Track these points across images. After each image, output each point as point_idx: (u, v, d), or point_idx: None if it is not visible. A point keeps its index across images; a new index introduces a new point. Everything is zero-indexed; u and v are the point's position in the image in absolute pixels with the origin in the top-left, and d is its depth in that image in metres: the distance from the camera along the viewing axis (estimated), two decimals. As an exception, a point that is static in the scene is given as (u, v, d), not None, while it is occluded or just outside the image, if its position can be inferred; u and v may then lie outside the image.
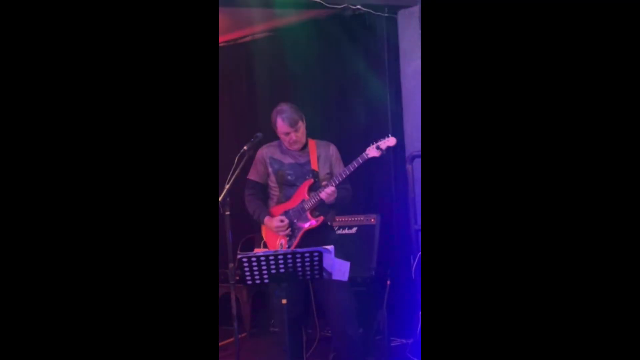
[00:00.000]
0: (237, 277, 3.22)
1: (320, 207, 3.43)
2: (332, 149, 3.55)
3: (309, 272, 2.89)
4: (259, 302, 4.88)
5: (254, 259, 2.82)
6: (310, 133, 3.54)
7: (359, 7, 4.21)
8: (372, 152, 3.32)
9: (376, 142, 3.32)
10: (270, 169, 3.51)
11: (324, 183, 3.42)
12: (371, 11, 4.28)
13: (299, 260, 2.84)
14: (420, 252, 3.87)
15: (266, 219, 3.49)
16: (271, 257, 2.83)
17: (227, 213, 3.11)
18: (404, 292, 4.07)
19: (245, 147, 3.29)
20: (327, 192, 3.32)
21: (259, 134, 3.36)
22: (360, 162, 3.31)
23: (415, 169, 3.94)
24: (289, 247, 3.43)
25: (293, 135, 3.41)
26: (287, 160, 3.49)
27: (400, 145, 4.17)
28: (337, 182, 3.35)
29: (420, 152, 3.87)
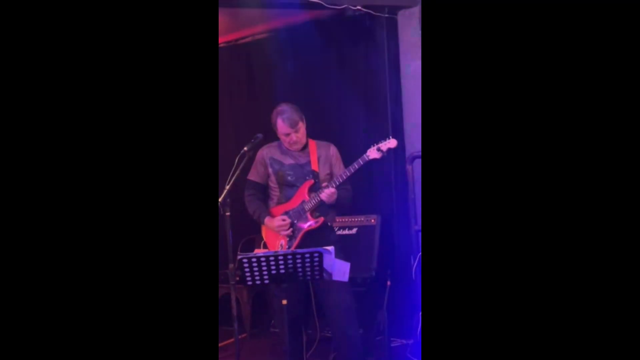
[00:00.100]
0: (238, 278, 3.22)
1: (321, 208, 3.44)
2: (332, 150, 3.55)
3: (309, 273, 2.89)
4: (259, 303, 4.88)
5: (254, 259, 2.82)
6: (311, 134, 3.54)
7: (359, 7, 4.21)
8: (372, 153, 3.32)
9: (377, 144, 3.33)
10: (270, 170, 3.51)
11: (324, 184, 3.42)
12: (371, 12, 4.28)
13: (299, 260, 2.84)
14: (421, 253, 3.87)
15: (267, 219, 3.49)
16: (271, 258, 2.83)
17: (228, 214, 3.11)
18: (404, 292, 4.07)
19: (245, 148, 3.29)
20: (327, 193, 3.32)
21: (259, 135, 3.37)
22: (361, 163, 3.31)
23: (415, 170, 3.94)
24: (289, 247, 3.43)
25: (293, 136, 3.42)
26: (288, 160, 3.49)
27: (400, 146, 4.16)
28: (337, 183, 3.35)
29: (420, 153, 3.87)
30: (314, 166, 3.47)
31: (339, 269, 3.03)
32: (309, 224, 3.42)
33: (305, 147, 3.51)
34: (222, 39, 4.99)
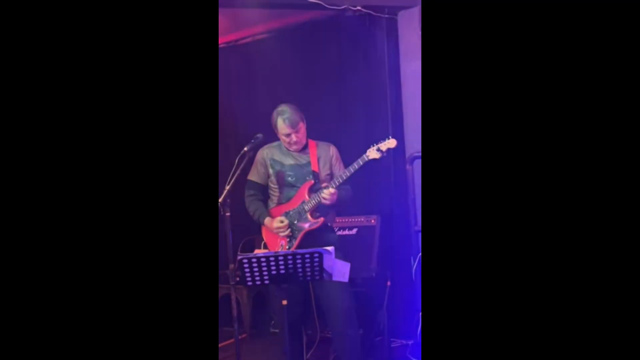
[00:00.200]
0: (238, 278, 3.22)
1: (321, 208, 3.44)
2: (333, 150, 3.55)
3: (309, 273, 2.89)
4: (259, 303, 4.88)
5: (254, 260, 2.82)
6: (311, 134, 3.54)
7: (359, 8, 4.21)
8: (372, 153, 3.32)
9: (377, 144, 3.33)
10: (270, 170, 3.51)
11: (324, 184, 3.43)
12: (371, 12, 4.28)
13: (299, 261, 2.84)
14: (421, 253, 3.87)
15: (266, 220, 3.49)
16: (271, 258, 2.83)
17: (228, 214, 3.12)
18: (404, 293, 4.07)
19: (245, 148, 3.29)
20: (327, 194, 3.32)
21: (260, 135, 3.37)
22: (361, 163, 3.31)
23: (415, 170, 3.94)
24: (289, 248, 3.43)
25: (294, 136, 3.42)
26: (288, 161, 3.49)
27: (400, 146, 4.16)
28: (337, 184, 3.35)
29: (420, 153, 3.87)
30: (314, 167, 3.47)
31: (339, 270, 3.02)
32: (309, 224, 3.42)
33: (305, 147, 3.51)
34: (222, 40, 4.99)
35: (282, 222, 3.43)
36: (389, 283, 4.01)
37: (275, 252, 2.93)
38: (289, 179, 3.47)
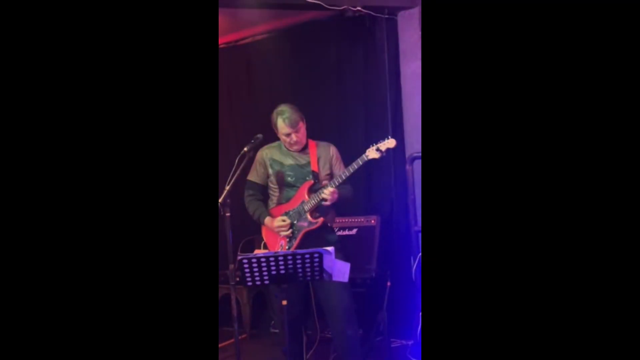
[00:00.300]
0: (237, 278, 3.22)
1: (320, 209, 3.44)
2: (332, 150, 3.55)
3: (309, 273, 2.89)
4: (259, 304, 4.89)
5: (254, 260, 2.82)
6: (311, 134, 3.54)
7: (359, 8, 4.21)
8: (371, 153, 3.31)
9: (376, 144, 3.32)
10: (270, 170, 3.51)
11: (323, 184, 3.43)
12: (371, 12, 4.28)
13: (299, 261, 2.84)
14: (421, 254, 3.87)
15: (267, 220, 3.49)
16: (271, 259, 2.83)
17: (228, 214, 3.12)
18: (404, 293, 4.07)
19: (245, 149, 3.30)
20: (327, 193, 3.32)
21: (259, 135, 3.37)
22: (360, 163, 3.31)
23: (415, 171, 3.94)
24: (289, 248, 3.43)
25: (294, 136, 3.42)
26: (288, 161, 3.50)
27: (400, 147, 4.17)
28: (336, 184, 3.35)
29: (420, 154, 3.87)
30: (314, 167, 3.47)
31: (339, 270, 3.03)
32: (308, 224, 3.42)
33: (305, 147, 3.51)
34: (222, 40, 5.00)
35: (283, 221, 3.43)
36: (389, 283, 4.02)
37: (275, 253, 2.93)
38: (289, 179, 3.47)
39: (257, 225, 3.60)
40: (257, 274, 2.85)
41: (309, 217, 3.42)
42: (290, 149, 3.49)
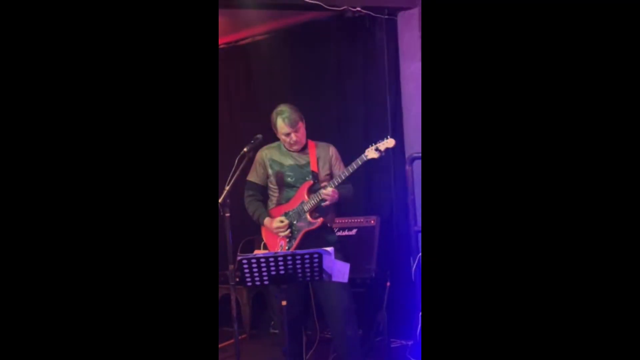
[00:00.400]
0: (237, 279, 3.22)
1: (320, 209, 3.44)
2: (332, 150, 3.55)
3: (308, 274, 2.89)
4: (259, 304, 4.89)
5: (253, 260, 2.82)
6: (310, 134, 3.54)
7: (358, 9, 4.21)
8: (371, 153, 3.31)
9: (375, 144, 3.32)
10: (270, 171, 3.51)
11: (323, 184, 3.43)
12: (371, 13, 4.28)
13: (298, 261, 2.84)
14: (420, 254, 3.87)
15: (266, 220, 3.49)
16: (271, 259, 2.83)
17: (227, 215, 3.12)
18: (403, 293, 4.07)
19: (245, 149, 3.30)
20: (327, 193, 3.32)
21: (259, 136, 3.37)
22: (360, 163, 3.31)
23: (415, 171, 3.94)
24: (288, 248, 3.43)
25: (293, 136, 3.42)
26: (287, 161, 3.50)
27: (400, 147, 4.17)
28: (336, 184, 3.35)
29: (420, 154, 3.87)
30: (314, 167, 3.47)
31: (339, 270, 3.03)
32: (308, 224, 3.42)
33: (304, 147, 3.51)
34: (222, 40, 5.00)
35: (282, 222, 3.43)
36: (388, 283, 4.02)
37: (275, 253, 2.93)
38: (289, 179, 3.47)
39: (257, 226, 3.60)
40: (256, 274, 2.85)
41: (308, 217, 3.42)
42: (289, 149, 3.49)
